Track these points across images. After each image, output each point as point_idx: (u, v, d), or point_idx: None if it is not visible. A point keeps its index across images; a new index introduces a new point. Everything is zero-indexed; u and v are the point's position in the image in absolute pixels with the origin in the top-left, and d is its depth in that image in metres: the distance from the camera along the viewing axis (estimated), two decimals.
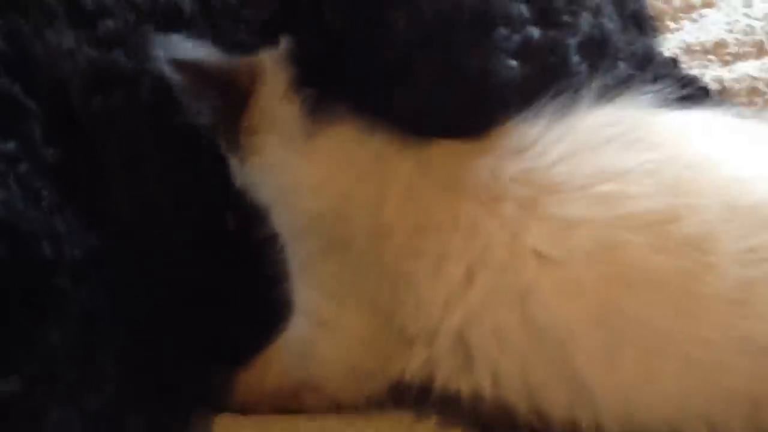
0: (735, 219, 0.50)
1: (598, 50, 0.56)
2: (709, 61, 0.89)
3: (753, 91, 0.84)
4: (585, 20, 0.56)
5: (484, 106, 0.53)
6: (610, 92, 0.55)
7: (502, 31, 0.51)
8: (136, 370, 0.54)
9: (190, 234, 0.59)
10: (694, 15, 0.99)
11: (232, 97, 0.57)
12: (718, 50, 0.90)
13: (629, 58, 0.60)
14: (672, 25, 0.99)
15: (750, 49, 0.90)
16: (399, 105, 0.53)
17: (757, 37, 0.90)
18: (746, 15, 0.93)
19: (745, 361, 0.49)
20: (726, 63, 0.89)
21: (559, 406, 0.52)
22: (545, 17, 0.54)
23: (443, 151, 0.55)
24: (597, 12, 0.57)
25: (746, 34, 0.91)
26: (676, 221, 0.50)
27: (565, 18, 0.55)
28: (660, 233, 0.50)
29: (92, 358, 0.51)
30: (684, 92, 0.64)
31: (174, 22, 0.62)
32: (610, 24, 0.59)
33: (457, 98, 0.52)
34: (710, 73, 0.86)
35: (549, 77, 0.53)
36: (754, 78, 0.85)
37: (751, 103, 0.83)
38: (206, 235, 0.59)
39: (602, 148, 0.53)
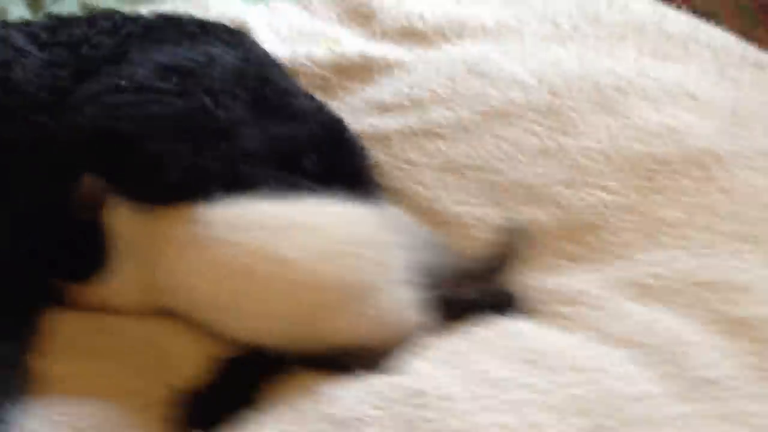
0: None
1: (231, 167, 1.17)
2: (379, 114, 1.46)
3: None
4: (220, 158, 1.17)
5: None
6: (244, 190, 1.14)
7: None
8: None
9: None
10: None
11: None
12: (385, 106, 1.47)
13: (266, 159, 1.20)
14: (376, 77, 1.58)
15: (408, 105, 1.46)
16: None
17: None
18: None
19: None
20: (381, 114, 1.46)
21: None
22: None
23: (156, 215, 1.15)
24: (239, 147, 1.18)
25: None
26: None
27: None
28: (234, 246, 1.11)
29: None
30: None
31: None
32: (250, 144, 1.19)
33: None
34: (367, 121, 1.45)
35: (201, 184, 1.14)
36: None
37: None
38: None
39: (221, 226, 1.12)
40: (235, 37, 1.36)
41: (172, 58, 1.23)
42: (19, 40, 1.28)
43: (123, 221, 1.15)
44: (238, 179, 1.17)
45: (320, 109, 1.39)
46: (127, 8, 1.71)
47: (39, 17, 1.62)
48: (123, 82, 1.18)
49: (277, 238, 1.10)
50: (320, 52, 1.61)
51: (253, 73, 1.29)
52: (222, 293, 1.09)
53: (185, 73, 1.21)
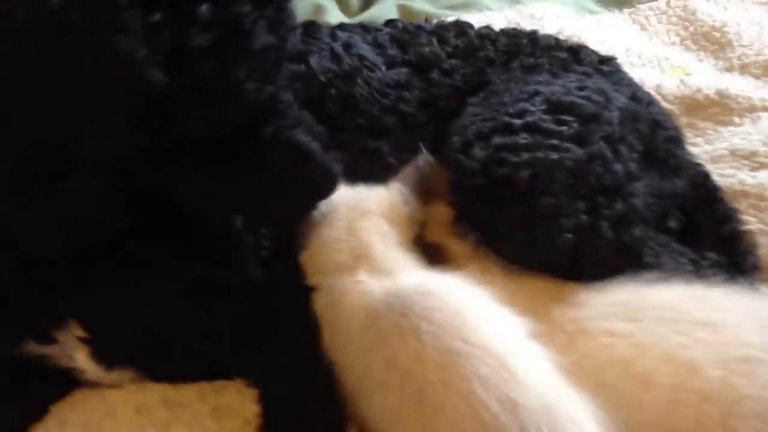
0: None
1: (622, 232, 0.95)
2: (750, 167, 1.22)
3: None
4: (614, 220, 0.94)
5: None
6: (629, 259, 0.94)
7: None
8: None
9: None
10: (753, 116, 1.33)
11: None
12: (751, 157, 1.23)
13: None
14: (736, 120, 1.34)
15: None
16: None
17: None
18: None
19: None
20: (753, 168, 1.22)
21: None
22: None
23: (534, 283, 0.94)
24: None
25: None
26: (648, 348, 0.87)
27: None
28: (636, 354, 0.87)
29: None
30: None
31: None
32: (639, 203, 0.97)
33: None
34: (739, 175, 1.22)
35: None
36: None
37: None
38: None
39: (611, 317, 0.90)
40: (609, 66, 1.14)
41: (563, 94, 1.02)
42: (365, 49, 1.12)
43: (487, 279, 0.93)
44: (626, 245, 0.95)
45: (692, 161, 1.16)
46: (447, 14, 1.58)
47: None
48: (514, 121, 0.98)
49: (686, 339, 0.88)
50: (669, 83, 1.39)
51: (645, 116, 1.06)
52: (608, 392, 0.86)
53: (584, 115, 0.99)
